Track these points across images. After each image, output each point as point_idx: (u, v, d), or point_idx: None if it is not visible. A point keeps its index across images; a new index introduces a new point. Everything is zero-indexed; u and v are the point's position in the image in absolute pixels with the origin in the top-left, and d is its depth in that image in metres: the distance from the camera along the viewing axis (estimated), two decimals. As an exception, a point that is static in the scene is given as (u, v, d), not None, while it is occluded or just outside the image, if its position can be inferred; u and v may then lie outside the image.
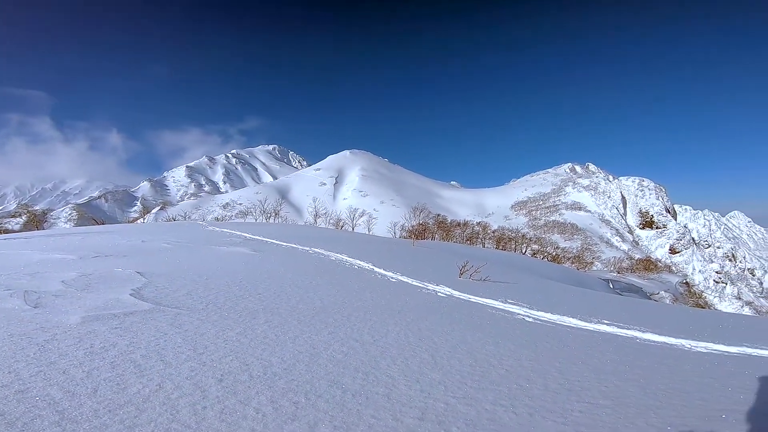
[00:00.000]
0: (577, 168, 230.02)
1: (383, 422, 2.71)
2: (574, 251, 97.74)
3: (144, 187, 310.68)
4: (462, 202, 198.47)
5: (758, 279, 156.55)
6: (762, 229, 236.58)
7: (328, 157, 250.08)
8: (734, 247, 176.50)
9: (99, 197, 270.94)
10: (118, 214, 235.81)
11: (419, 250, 19.94)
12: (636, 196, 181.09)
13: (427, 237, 45.96)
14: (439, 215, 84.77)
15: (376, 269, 11.05)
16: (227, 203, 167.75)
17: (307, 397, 2.95)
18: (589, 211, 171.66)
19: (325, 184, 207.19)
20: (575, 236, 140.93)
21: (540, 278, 17.59)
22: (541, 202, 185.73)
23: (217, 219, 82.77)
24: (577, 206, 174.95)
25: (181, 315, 4.73)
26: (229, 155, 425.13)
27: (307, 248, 13.86)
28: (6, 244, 10.75)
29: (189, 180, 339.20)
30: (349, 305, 6.42)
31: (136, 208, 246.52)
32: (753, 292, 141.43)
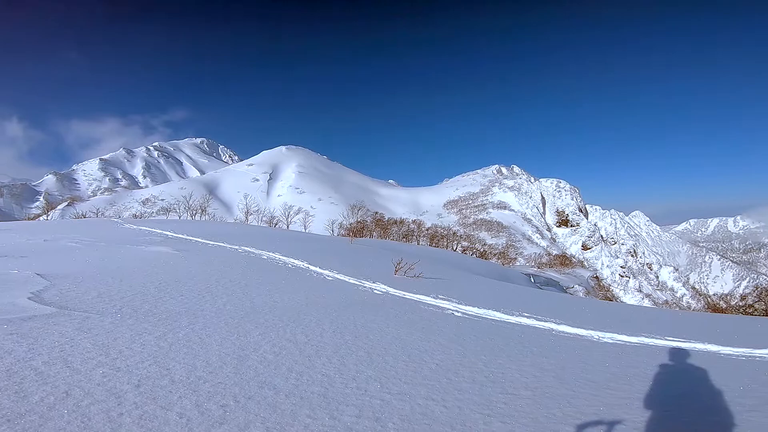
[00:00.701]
0: (503, 169, 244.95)
1: (320, 421, 2.73)
2: (500, 248, 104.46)
3: (48, 181, 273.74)
4: (399, 201, 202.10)
5: (655, 273, 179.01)
6: (657, 227, 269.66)
7: (262, 153, 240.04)
8: (635, 243, 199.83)
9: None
10: (16, 210, 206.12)
11: (357, 248, 20.06)
12: (554, 196, 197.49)
13: (365, 235, 46.28)
14: (377, 213, 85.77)
15: (312, 268, 10.96)
16: (147, 199, 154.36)
17: (236, 400, 2.88)
18: (513, 210, 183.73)
19: (258, 180, 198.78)
20: (501, 234, 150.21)
21: (469, 274, 18.59)
22: (470, 201, 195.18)
23: (135, 216, 76.13)
24: (502, 205, 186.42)
25: (90, 319, 4.35)
26: (151, 148, 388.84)
27: (237, 247, 13.31)
28: None
29: (103, 174, 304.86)
30: (282, 305, 6.33)
31: (38, 203, 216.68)
32: (651, 285, 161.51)
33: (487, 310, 7.67)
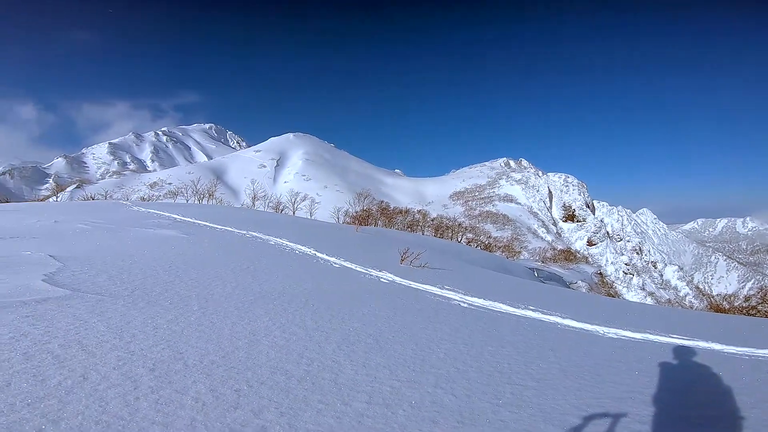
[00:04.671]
0: (511, 163, 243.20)
1: (331, 407, 2.73)
2: (505, 241, 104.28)
3: (58, 164, 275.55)
4: (404, 190, 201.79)
5: (659, 271, 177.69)
6: (665, 225, 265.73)
7: (269, 139, 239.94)
8: (641, 241, 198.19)
9: (3, 173, 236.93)
10: (26, 191, 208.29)
11: (362, 236, 20.05)
12: (561, 191, 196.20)
13: (370, 223, 46.27)
14: (382, 202, 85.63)
15: (319, 254, 10.97)
16: (155, 182, 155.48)
17: (249, 384, 2.89)
18: (520, 203, 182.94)
19: (265, 166, 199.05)
20: (506, 226, 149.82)
21: (473, 266, 18.54)
22: (477, 193, 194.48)
23: (143, 199, 76.74)
24: (509, 198, 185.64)
25: (104, 301, 4.38)
26: (160, 132, 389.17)
27: (244, 232, 13.35)
28: None
29: (112, 157, 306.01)
30: (290, 291, 6.34)
31: (47, 185, 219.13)
32: (655, 283, 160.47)
33: (493, 301, 7.64)
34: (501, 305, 7.42)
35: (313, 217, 45.92)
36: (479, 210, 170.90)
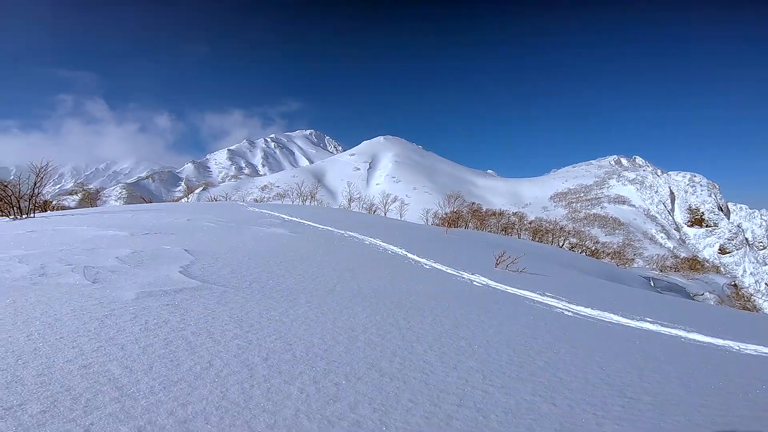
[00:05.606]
0: (623, 161, 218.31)
1: (421, 407, 2.72)
2: (615, 247, 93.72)
3: (188, 169, 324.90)
4: (497, 192, 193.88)
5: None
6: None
7: (362, 143, 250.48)
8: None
9: (146, 177, 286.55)
10: (164, 193, 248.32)
11: (452, 238, 19.70)
12: (686, 192, 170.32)
13: (460, 225, 45.34)
14: (473, 203, 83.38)
15: (410, 255, 11.03)
16: (265, 185, 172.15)
17: (347, 379, 2.99)
18: (634, 205, 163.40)
19: (359, 169, 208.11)
20: (617, 231, 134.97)
21: (578, 273, 17.00)
22: (582, 194, 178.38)
23: (256, 200, 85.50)
24: (620, 200, 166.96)
25: (227, 293, 4.91)
26: (268, 139, 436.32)
27: (342, 231, 14.02)
28: (64, 221, 11.51)
29: (230, 162, 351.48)
30: (384, 290, 6.48)
31: (180, 188, 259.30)
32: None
33: (602, 312, 6.96)
34: (612, 315, 6.77)
35: (403, 219, 46.63)
36: (585, 212, 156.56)
